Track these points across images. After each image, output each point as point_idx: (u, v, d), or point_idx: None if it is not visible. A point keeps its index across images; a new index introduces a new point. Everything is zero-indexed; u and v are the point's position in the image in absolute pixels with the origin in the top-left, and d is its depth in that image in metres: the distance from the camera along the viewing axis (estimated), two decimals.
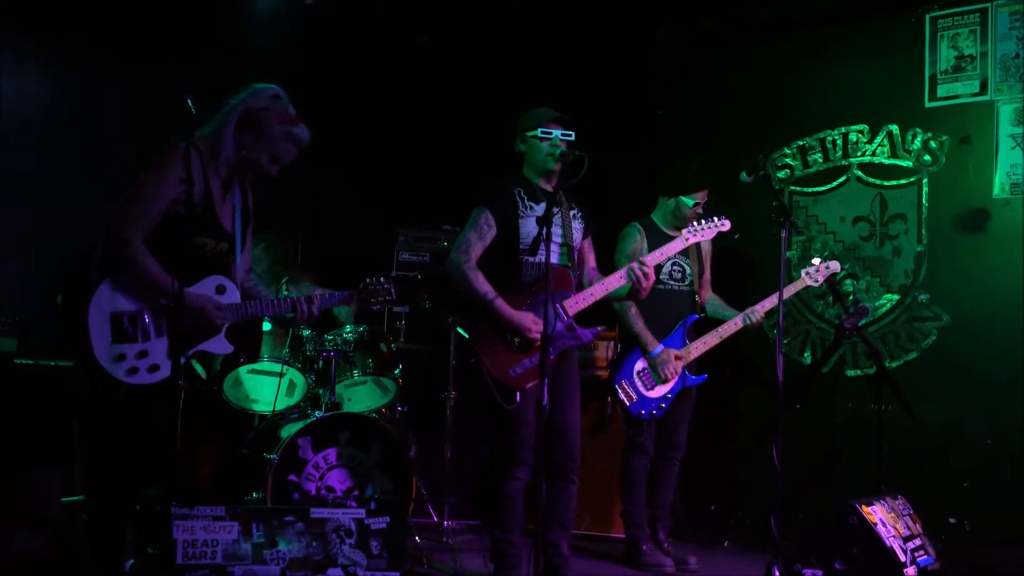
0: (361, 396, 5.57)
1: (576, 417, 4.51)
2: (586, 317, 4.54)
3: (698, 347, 5.32)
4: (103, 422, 3.66)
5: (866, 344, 5.67)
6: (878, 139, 6.15)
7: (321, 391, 5.27)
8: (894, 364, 5.94)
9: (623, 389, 5.25)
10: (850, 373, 6.13)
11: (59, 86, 5.68)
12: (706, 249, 5.58)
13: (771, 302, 5.29)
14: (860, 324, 5.60)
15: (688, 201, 5.34)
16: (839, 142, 6.29)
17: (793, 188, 6.42)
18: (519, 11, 6.77)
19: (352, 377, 5.37)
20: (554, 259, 4.36)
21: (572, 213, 4.58)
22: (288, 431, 4.90)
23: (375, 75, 6.93)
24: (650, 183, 5.63)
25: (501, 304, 4.29)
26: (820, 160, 6.35)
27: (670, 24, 6.79)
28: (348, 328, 5.38)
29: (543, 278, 4.14)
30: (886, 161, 6.12)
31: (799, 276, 5.39)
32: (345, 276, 5.94)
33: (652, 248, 5.07)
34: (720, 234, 4.79)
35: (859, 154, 6.21)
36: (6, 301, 5.10)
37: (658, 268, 5.22)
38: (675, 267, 5.40)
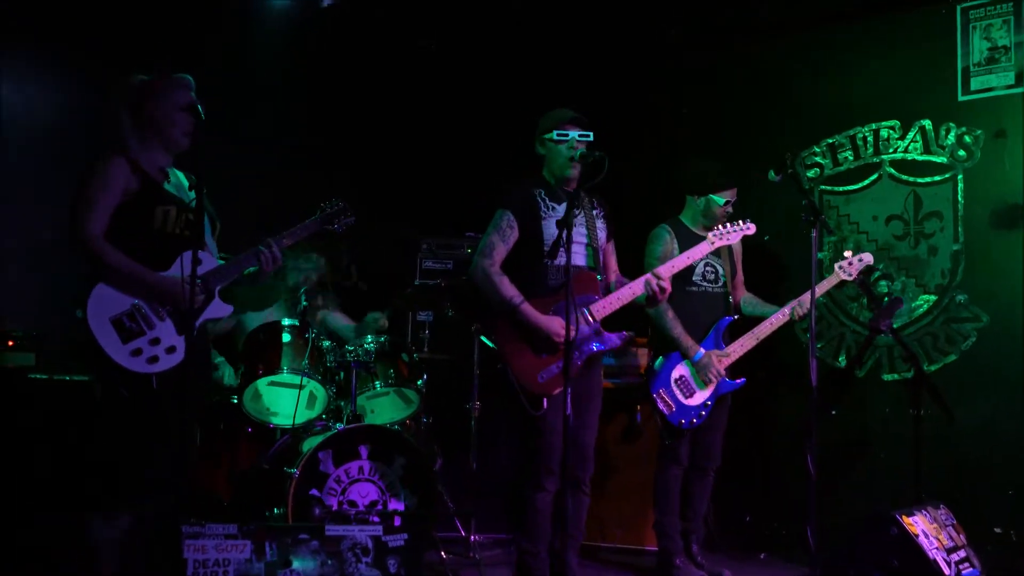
0: (384, 408, 5.47)
1: (594, 425, 4.42)
2: (619, 321, 4.44)
3: (736, 350, 5.15)
4: (143, 423, 3.66)
5: (903, 347, 5.54)
6: (910, 135, 5.97)
7: (343, 403, 5.17)
8: (932, 367, 5.77)
9: (662, 398, 5.07)
10: (887, 377, 5.95)
11: (76, 98, 5.66)
12: (736, 250, 5.43)
13: (807, 297, 5.09)
14: (895, 323, 5.44)
15: (718, 200, 5.20)
16: (870, 139, 6.11)
17: (824, 187, 6.25)
18: (533, 15, 6.68)
19: (374, 388, 5.25)
20: (580, 261, 4.34)
21: (595, 212, 4.50)
22: (310, 444, 4.81)
23: (392, 81, 6.88)
24: (672, 184, 5.50)
25: (528, 308, 4.20)
26: (851, 158, 6.18)
27: (688, 22, 6.65)
28: (369, 338, 5.28)
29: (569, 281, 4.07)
30: (919, 157, 5.94)
31: (832, 272, 5.21)
32: (369, 287, 5.95)
33: (683, 249, 4.97)
34: (754, 236, 4.69)
35: (891, 151, 6.04)
36: (23, 315, 5.07)
37: (690, 269, 5.10)
38: (708, 268, 5.24)
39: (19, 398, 4.48)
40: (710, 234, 4.61)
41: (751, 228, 4.68)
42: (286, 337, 5.07)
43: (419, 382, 5.33)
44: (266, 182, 6.21)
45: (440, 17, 6.73)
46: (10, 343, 4.74)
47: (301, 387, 5.02)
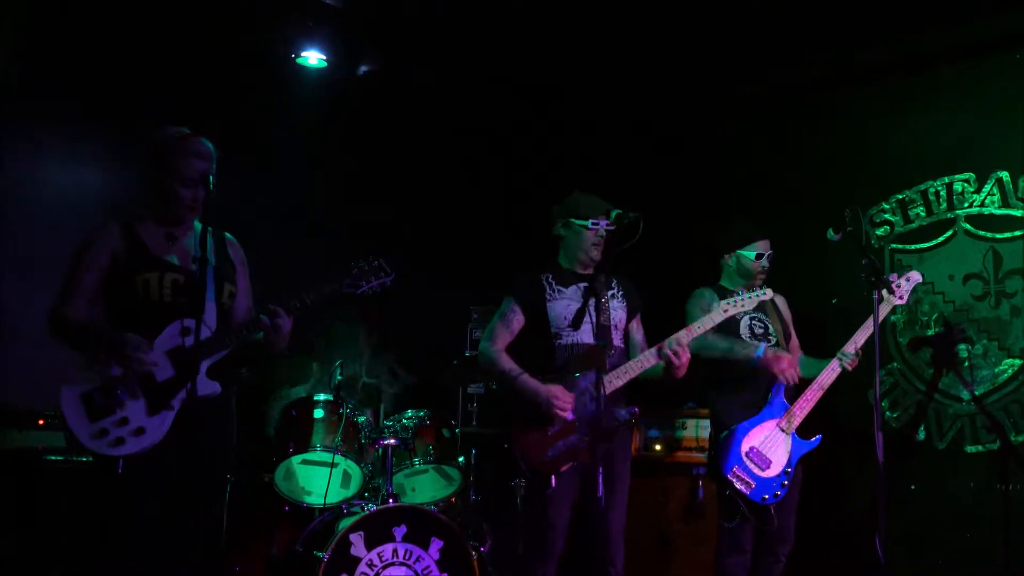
0: (425, 486, 5.24)
1: (620, 512, 4.21)
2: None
3: (802, 406, 4.73)
4: (110, 507, 3.47)
5: (986, 416, 5.13)
6: (987, 187, 5.58)
7: (381, 481, 4.95)
8: (1020, 438, 5.31)
9: (738, 477, 4.65)
10: (970, 449, 5.49)
11: (111, 175, 5.66)
12: (785, 313, 5.08)
13: (862, 335, 4.73)
14: (977, 390, 5.04)
15: (748, 254, 4.90)
16: (943, 193, 5.74)
17: (894, 246, 5.87)
18: (589, 80, 6.51)
19: (413, 466, 5.03)
20: (588, 338, 4.27)
21: (610, 293, 4.42)
22: (345, 525, 4.60)
23: (441, 149, 6.79)
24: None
25: (526, 378, 4.19)
26: (923, 214, 5.81)
27: (751, 78, 6.38)
28: (409, 412, 5.07)
29: (576, 358, 4.20)
30: (997, 211, 5.54)
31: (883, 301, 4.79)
32: (418, 356, 5.77)
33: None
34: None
35: (966, 205, 5.65)
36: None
37: (735, 327, 4.80)
38: (755, 322, 4.89)
39: (33, 479, 4.37)
40: (722, 302, 4.36)
41: (768, 294, 4.45)
42: (318, 413, 4.92)
43: (460, 459, 5.09)
44: (307, 249, 6.11)
45: (474, 84, 6.59)
46: (40, 422, 4.67)
47: (333, 465, 4.82)
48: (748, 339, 4.84)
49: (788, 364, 4.68)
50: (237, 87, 5.91)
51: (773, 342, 4.87)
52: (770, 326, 4.92)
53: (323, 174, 6.42)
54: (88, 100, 5.66)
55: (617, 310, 4.39)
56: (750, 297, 4.35)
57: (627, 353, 4.40)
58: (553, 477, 4.08)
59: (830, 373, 4.75)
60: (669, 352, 4.14)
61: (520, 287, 4.39)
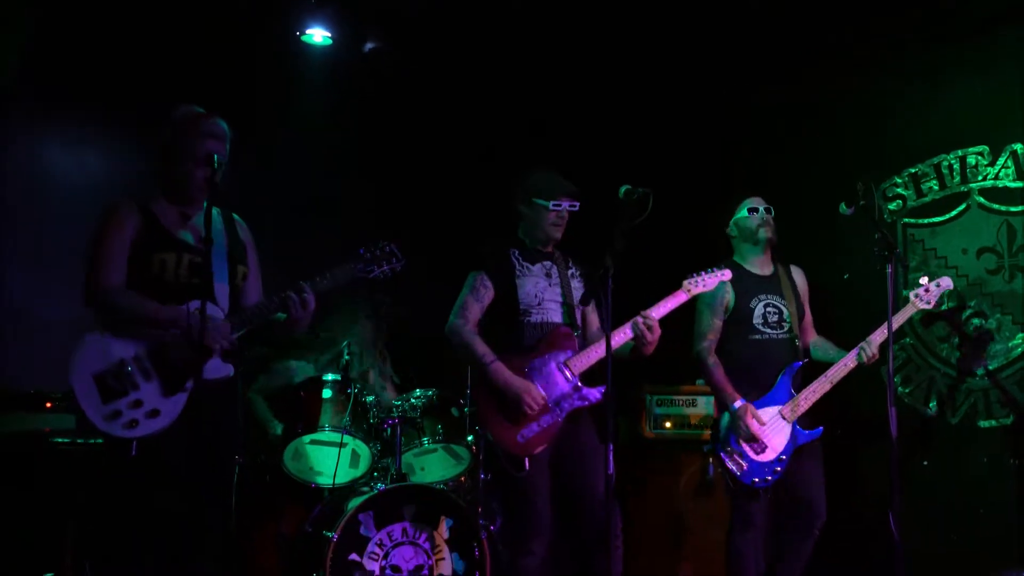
0: (434, 465, 5.21)
1: (597, 485, 4.11)
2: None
3: (807, 397, 4.65)
4: (122, 492, 3.42)
5: (1000, 390, 5.07)
6: (1001, 160, 5.51)
7: (389, 461, 4.93)
8: None
9: (731, 457, 4.63)
10: (983, 424, 5.43)
11: (116, 159, 5.63)
12: (802, 290, 4.96)
13: (879, 335, 4.63)
14: (990, 364, 4.97)
15: (742, 213, 4.81)
16: (956, 167, 5.66)
17: (907, 220, 5.80)
18: (596, 58, 6.42)
19: (421, 445, 5.01)
20: (556, 318, 4.28)
21: (570, 272, 4.42)
22: (354, 504, 4.58)
23: (442, 135, 6.68)
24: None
25: (498, 368, 4.13)
26: (936, 188, 5.73)
27: (761, 53, 6.27)
28: (417, 392, 5.04)
29: (545, 338, 4.19)
30: (1011, 184, 5.47)
31: (908, 302, 4.73)
32: (414, 343, 5.72)
33: (740, 294, 4.70)
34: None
35: (980, 178, 5.57)
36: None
37: (748, 313, 4.73)
38: (769, 309, 4.78)
39: (40, 462, 4.34)
40: (685, 282, 4.33)
41: (727, 274, 4.39)
42: (327, 393, 4.89)
43: (469, 437, 5.06)
44: (309, 228, 6.09)
45: (482, 61, 6.49)
46: (48, 404, 4.64)
47: (342, 445, 4.80)
48: (761, 327, 4.75)
49: (742, 431, 4.56)
50: (241, 66, 5.85)
51: (786, 329, 4.78)
52: (785, 311, 4.80)
53: (327, 154, 6.35)
54: (90, 84, 5.62)
55: (577, 290, 4.36)
56: (711, 276, 4.33)
57: (584, 334, 4.36)
58: (527, 460, 4.06)
59: (842, 368, 4.64)
60: (643, 327, 4.11)
61: (489, 260, 4.30)
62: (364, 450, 4.94)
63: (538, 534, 4.07)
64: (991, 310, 5.46)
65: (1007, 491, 5.06)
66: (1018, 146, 5.44)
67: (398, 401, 5.01)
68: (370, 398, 4.99)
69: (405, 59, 6.35)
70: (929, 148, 5.75)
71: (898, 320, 4.58)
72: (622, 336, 4.17)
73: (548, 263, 4.33)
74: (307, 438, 4.89)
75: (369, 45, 6.16)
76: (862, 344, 4.62)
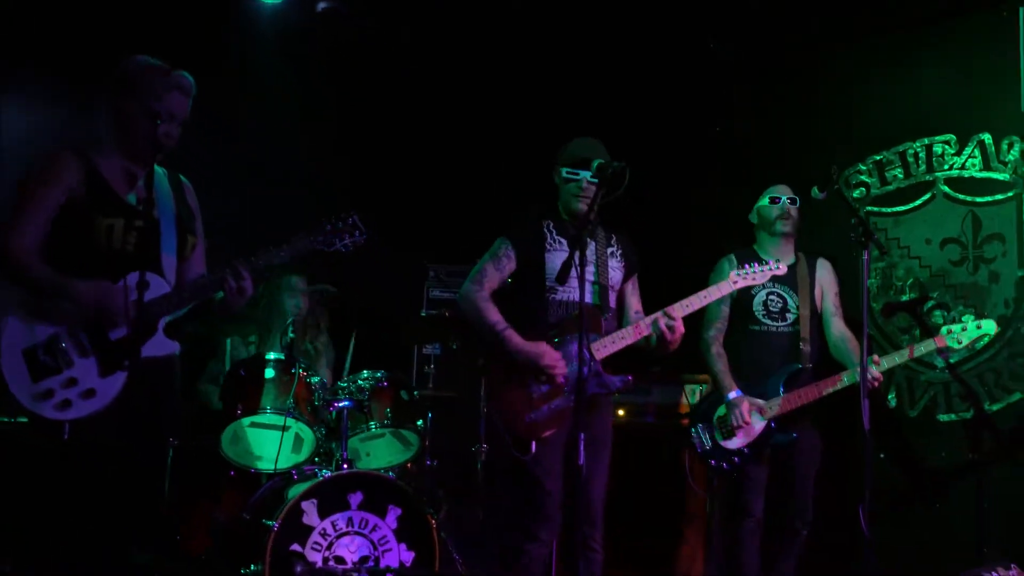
0: (381, 451, 4.97)
1: (601, 478, 3.97)
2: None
3: (791, 400, 4.56)
4: (58, 476, 3.14)
5: (961, 384, 4.98)
6: (968, 150, 5.42)
7: (335, 446, 4.67)
8: (995, 407, 5.22)
9: (697, 433, 4.71)
10: (943, 418, 5.38)
11: (77, 122, 5.28)
12: (825, 282, 4.80)
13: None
14: (952, 358, 4.87)
15: (764, 202, 4.75)
16: (922, 155, 5.56)
17: (870, 208, 5.70)
18: (566, 32, 6.23)
19: (369, 430, 4.76)
20: (585, 297, 3.94)
21: (610, 251, 4.13)
22: (296, 492, 4.33)
23: (405, 105, 6.45)
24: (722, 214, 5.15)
25: (511, 334, 3.89)
26: (900, 176, 5.63)
27: (730, 37, 6.13)
28: (365, 373, 4.78)
29: (571, 318, 3.89)
30: (978, 175, 5.38)
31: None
32: (376, 314, 5.49)
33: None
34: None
35: (946, 168, 5.48)
36: None
37: (749, 302, 4.66)
38: (772, 297, 4.68)
39: None
40: (732, 273, 4.13)
41: (782, 269, 4.20)
42: (269, 373, 4.61)
43: (419, 422, 4.83)
44: (257, 199, 5.81)
45: (452, 29, 6.24)
46: None
47: (285, 428, 4.52)
48: (762, 317, 4.67)
49: (735, 420, 4.52)
50: (191, 23, 5.59)
51: (790, 321, 4.67)
52: (790, 301, 4.69)
53: (279, 120, 6.08)
54: (40, 40, 5.41)
55: (615, 270, 4.11)
56: (762, 271, 4.12)
57: (620, 315, 4.15)
58: (534, 443, 3.83)
59: (835, 383, 4.54)
60: (663, 327, 3.88)
61: (518, 230, 4.07)
62: (308, 434, 4.68)
63: (547, 520, 3.84)
64: (954, 302, 5.39)
65: (966, 487, 4.96)
66: (986, 135, 5.36)
67: (344, 383, 4.75)
68: (315, 379, 4.71)
69: (360, 18, 6.09)
70: (895, 136, 5.68)
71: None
72: (646, 328, 3.94)
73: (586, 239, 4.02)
74: (246, 420, 4.61)
75: (322, 5, 5.88)
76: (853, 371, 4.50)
